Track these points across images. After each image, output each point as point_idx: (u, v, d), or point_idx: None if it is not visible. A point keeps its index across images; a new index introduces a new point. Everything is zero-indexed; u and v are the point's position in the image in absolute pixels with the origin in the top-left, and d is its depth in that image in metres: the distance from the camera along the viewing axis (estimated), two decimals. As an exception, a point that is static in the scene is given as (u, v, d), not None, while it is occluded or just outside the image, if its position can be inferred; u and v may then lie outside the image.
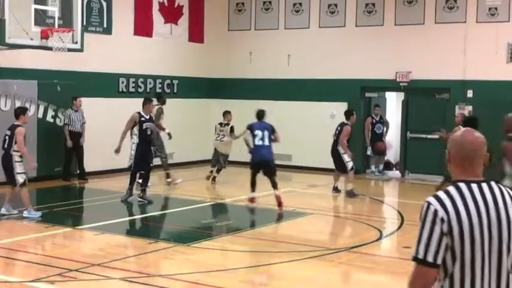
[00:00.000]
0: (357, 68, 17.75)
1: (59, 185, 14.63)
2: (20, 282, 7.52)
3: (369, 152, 17.84)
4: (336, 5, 18.32)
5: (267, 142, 12.32)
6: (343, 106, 17.33)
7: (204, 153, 17.55)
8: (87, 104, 15.48)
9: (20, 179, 10.83)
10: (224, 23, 19.96)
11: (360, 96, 18.10)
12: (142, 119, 12.63)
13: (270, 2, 19.31)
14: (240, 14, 19.78)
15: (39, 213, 11.09)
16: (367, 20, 17.90)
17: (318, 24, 18.55)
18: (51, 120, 15.20)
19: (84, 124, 15.26)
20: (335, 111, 17.88)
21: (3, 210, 11.06)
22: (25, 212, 10.97)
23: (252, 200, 12.48)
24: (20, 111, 11.33)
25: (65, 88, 15.25)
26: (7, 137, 10.96)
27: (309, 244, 9.64)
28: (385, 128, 18.04)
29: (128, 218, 11.65)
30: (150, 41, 18.00)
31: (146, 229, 10.95)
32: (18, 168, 10.84)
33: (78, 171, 15.34)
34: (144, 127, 12.56)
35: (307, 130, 18.13)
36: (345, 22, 18.19)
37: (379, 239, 10.27)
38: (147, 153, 12.73)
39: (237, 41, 19.67)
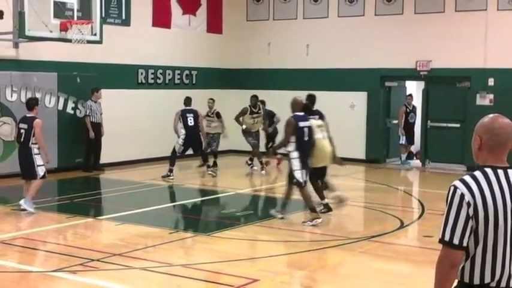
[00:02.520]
0: (377, 57, 17.64)
1: (79, 175, 14.71)
2: (42, 272, 7.57)
3: (402, 141, 17.69)
4: (355, -6, 18.19)
5: None
6: (362, 96, 17.25)
7: (222, 144, 17.54)
8: (107, 95, 15.54)
9: (41, 172, 10.63)
10: (242, 14, 19.91)
11: (380, 86, 17.98)
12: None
13: (288, -8, 19.21)
14: (258, 4, 19.71)
15: (33, 208, 10.64)
16: (386, 9, 17.76)
17: (337, 14, 18.44)
18: (71, 112, 15.28)
19: (102, 115, 15.33)
20: (354, 101, 17.81)
21: (23, 203, 10.62)
22: (22, 201, 10.58)
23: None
24: (35, 102, 10.97)
25: (85, 80, 15.31)
26: (23, 131, 10.65)
27: (330, 234, 9.61)
28: (416, 117, 17.92)
29: (148, 208, 11.67)
30: (168, 32, 18.01)
31: (167, 219, 10.96)
32: (38, 160, 10.63)
33: (95, 162, 15.39)
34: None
35: (327, 120, 18.01)
36: (364, 11, 18.06)
37: (400, 228, 10.21)
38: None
39: (255, 31, 19.62)
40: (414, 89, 19.25)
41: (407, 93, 18.34)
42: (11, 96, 14.03)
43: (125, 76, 16.70)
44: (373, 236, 9.44)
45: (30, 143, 10.57)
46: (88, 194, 12.54)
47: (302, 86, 18.51)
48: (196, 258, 8.33)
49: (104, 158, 15.57)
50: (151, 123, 16.89)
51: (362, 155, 17.89)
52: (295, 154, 10.09)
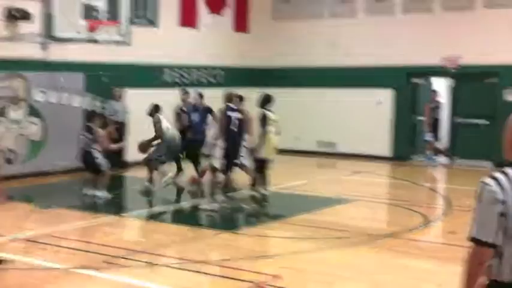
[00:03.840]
0: (403, 54, 17.51)
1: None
2: (67, 269, 7.67)
3: (428, 138, 17.51)
4: (382, -8, 18.09)
5: None
6: (389, 93, 17.15)
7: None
8: (133, 95, 15.67)
9: (102, 167, 11.81)
10: (269, 12, 19.92)
11: (406, 82, 17.86)
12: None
13: (315, -10, 19.18)
14: (285, 2, 19.71)
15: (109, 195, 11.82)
16: (414, 7, 17.62)
17: (364, 12, 18.35)
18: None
19: (127, 115, 15.45)
20: (381, 98, 17.72)
21: (95, 192, 11.81)
22: (96, 191, 11.80)
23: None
24: (97, 116, 12.37)
25: (112, 80, 15.46)
26: (86, 139, 11.82)
27: (353, 230, 9.58)
28: (442, 114, 17.73)
29: (171, 205, 11.76)
30: (195, 32, 18.10)
31: (190, 216, 11.03)
32: (99, 158, 11.78)
33: (119, 160, 15.50)
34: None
35: (353, 117, 17.99)
36: (392, 9, 17.95)
37: (425, 224, 10.14)
38: None
39: (282, 30, 19.61)
40: (441, 85, 19.06)
41: (433, 89, 18.16)
42: (39, 97, 14.25)
43: (151, 76, 16.83)
44: (398, 233, 9.38)
45: (93, 148, 11.76)
46: (113, 192, 12.67)
47: (329, 84, 18.52)
48: (218, 255, 8.38)
49: (130, 156, 15.69)
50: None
51: (388, 153, 17.78)
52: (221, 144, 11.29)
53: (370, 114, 16.98)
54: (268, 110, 11.59)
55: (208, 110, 13.34)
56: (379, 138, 17.30)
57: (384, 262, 8.20)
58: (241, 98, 13.03)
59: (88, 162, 12.05)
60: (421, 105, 18.01)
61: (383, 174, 15.67)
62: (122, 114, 15.35)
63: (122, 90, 15.38)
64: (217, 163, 11.16)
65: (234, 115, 11.01)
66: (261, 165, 11.51)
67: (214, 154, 11.29)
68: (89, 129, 12.00)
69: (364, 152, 17.18)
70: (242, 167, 12.54)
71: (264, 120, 11.40)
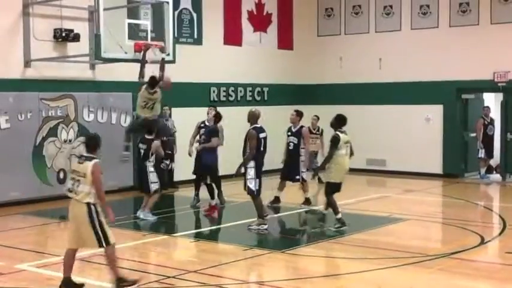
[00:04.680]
0: (452, 69, 17.25)
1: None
2: (120, 289, 7.65)
3: (481, 155, 17.17)
4: (428, 6, 17.88)
5: None
6: (438, 109, 16.87)
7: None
8: (179, 113, 15.73)
9: (153, 187, 11.75)
10: (313, 29, 19.87)
11: (456, 98, 17.55)
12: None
13: (359, 6, 19.07)
14: (329, 19, 19.64)
15: (155, 218, 11.80)
16: (461, 20, 17.38)
17: (410, 26, 18.17)
18: (146, 131, 15.51)
19: (175, 133, 15.49)
20: (430, 114, 17.45)
21: (140, 214, 11.83)
22: (141, 213, 11.80)
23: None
24: (153, 128, 12.13)
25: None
26: (142, 151, 11.84)
27: (407, 250, 9.37)
28: (495, 130, 17.37)
29: (221, 225, 11.70)
30: (239, 49, 18.15)
31: (241, 236, 10.93)
32: (152, 177, 11.76)
33: (168, 180, 15.53)
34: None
35: (402, 134, 17.73)
36: (438, 23, 17.72)
37: (480, 244, 9.86)
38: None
39: (326, 46, 19.53)
40: (492, 100, 18.69)
41: (485, 105, 17.82)
42: (88, 116, 14.40)
43: (197, 94, 16.88)
44: (453, 253, 9.15)
45: (148, 161, 11.75)
46: (162, 212, 12.67)
47: (375, 101, 18.33)
48: (271, 275, 8.25)
49: (178, 176, 15.72)
50: (224, 140, 16.95)
51: (439, 170, 17.47)
52: (252, 163, 10.61)
53: (420, 131, 16.72)
54: (341, 131, 11.02)
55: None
56: (430, 155, 17.01)
57: (439, 283, 7.99)
58: (301, 115, 13.18)
59: (141, 180, 12.17)
60: (471, 121, 17.68)
61: (435, 192, 15.38)
62: (170, 133, 15.39)
63: (170, 108, 15.43)
64: (252, 184, 10.80)
65: (262, 135, 10.75)
66: (332, 189, 10.95)
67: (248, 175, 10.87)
68: (144, 141, 12.01)
69: (414, 169, 16.90)
70: (303, 181, 12.93)
71: (335, 142, 10.84)
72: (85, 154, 7.61)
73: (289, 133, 13.30)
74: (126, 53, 13.36)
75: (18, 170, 13.16)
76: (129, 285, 7.43)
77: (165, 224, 11.85)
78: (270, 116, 18.05)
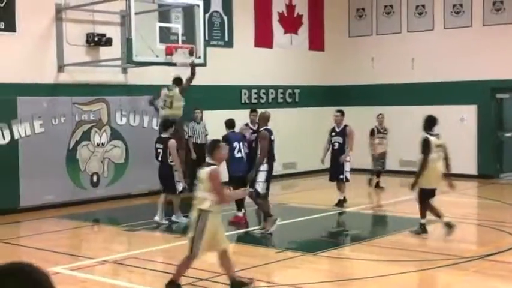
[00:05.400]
0: (486, 69, 16.99)
1: (185, 196, 14.90)
2: (152, 292, 7.67)
3: None
4: (461, 5, 17.65)
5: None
6: (472, 109, 16.63)
7: (327, 161, 17.33)
8: (211, 116, 15.74)
9: (179, 187, 11.57)
10: (344, 30, 19.75)
11: (490, 98, 17.29)
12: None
13: (391, 6, 18.90)
14: (360, 19, 19.51)
15: (187, 219, 11.19)
16: (495, 18, 17.11)
17: (443, 26, 17.95)
18: (178, 134, 15.57)
19: (207, 136, 15.49)
20: (464, 114, 17.21)
21: (174, 218, 11.69)
22: (174, 216, 11.64)
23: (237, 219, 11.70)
24: (169, 124, 11.90)
25: (190, 102, 15.55)
26: (160, 150, 11.57)
27: (441, 252, 9.23)
28: None
29: (253, 228, 11.67)
30: (270, 52, 18.12)
31: (272, 238, 10.90)
32: (177, 177, 11.53)
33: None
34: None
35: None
36: (471, 21, 17.48)
37: (517, 246, 9.67)
38: None
39: (358, 47, 19.40)
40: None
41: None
42: (121, 120, 14.50)
43: (228, 97, 16.90)
44: (488, 255, 9.00)
45: (169, 161, 11.47)
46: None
47: (408, 101, 18.13)
48: (303, 278, 8.20)
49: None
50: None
51: (473, 171, 17.22)
52: (264, 167, 10.54)
53: (454, 132, 16.45)
54: (431, 134, 10.25)
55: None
56: (464, 155, 16.75)
57: (474, 285, 7.87)
58: (344, 115, 13.21)
59: (164, 179, 11.74)
60: (507, 121, 17.39)
61: (469, 193, 15.14)
62: (202, 136, 15.41)
63: (202, 111, 15.44)
64: (260, 187, 10.68)
65: (273, 137, 10.70)
66: (425, 196, 10.36)
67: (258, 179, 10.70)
68: (161, 140, 11.69)
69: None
70: (346, 181, 12.96)
71: (426, 146, 10.08)
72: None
73: (334, 133, 13.22)
74: (157, 56, 13.44)
75: (53, 173, 13.30)
76: (244, 286, 7.42)
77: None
78: (301, 117, 18.07)
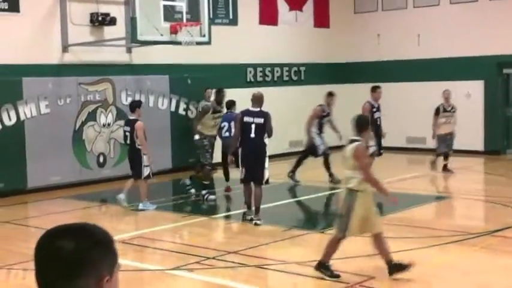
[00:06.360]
0: (493, 44, 16.86)
1: (193, 175, 14.91)
2: (161, 271, 7.71)
3: None
4: (467, -21, 17.49)
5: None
6: (479, 84, 16.53)
7: (333, 139, 17.25)
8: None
9: (145, 172, 10.99)
10: (350, 6, 19.61)
11: (497, 73, 17.18)
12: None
13: (396, -19, 18.75)
14: (365, -5, 19.35)
15: (154, 206, 11.13)
16: (500, -8, 16.95)
17: (449, 1, 17.80)
18: (183, 113, 15.57)
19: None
20: (471, 90, 17.12)
21: (141, 206, 11.07)
22: (140, 204, 11.06)
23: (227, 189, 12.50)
24: (136, 105, 11.43)
25: (195, 81, 15.55)
26: (128, 133, 11.06)
27: (449, 229, 9.23)
28: None
29: (261, 206, 11.68)
30: (275, 29, 18.02)
31: (279, 217, 10.92)
32: (145, 161, 10.98)
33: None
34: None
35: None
36: (477, -5, 17.34)
37: (525, 222, 9.66)
38: None
39: (363, 23, 19.27)
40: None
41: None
42: (126, 100, 14.47)
43: (234, 75, 16.83)
44: (495, 231, 8.99)
45: (137, 144, 10.95)
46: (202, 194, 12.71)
47: (414, 78, 18.04)
48: (310, 255, 8.20)
49: (218, 157, 15.70)
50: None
51: (480, 147, 17.16)
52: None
53: (460, 108, 16.39)
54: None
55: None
56: (471, 131, 16.69)
57: (482, 261, 7.86)
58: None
59: (131, 163, 11.24)
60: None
61: (476, 169, 15.11)
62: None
63: (213, 90, 15.29)
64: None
65: (248, 119, 9.92)
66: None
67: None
68: (129, 122, 11.22)
69: (455, 147, 16.58)
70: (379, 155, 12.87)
71: None
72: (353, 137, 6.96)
73: (375, 109, 13.10)
74: (162, 35, 13.38)
75: (59, 154, 13.32)
76: (402, 270, 6.98)
77: (205, 206, 11.89)
78: (307, 95, 17.99)
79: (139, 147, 10.96)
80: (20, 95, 12.83)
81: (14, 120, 12.79)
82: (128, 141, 11.11)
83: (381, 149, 13.19)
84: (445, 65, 17.60)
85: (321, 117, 13.48)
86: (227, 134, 12.13)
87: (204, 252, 8.23)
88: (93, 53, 14.14)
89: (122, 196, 11.07)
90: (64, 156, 13.44)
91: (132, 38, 13.27)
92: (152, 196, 11.43)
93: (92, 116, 13.91)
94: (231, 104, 12.67)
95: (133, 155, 11.10)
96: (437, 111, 14.29)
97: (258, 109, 10.00)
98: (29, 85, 12.94)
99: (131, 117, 11.26)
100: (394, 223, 9.75)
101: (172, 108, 15.34)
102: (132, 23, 13.05)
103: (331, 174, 13.27)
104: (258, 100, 10.08)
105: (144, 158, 10.97)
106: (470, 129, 16.70)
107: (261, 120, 9.84)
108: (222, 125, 12.28)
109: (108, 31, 14.21)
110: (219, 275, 7.52)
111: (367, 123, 7.13)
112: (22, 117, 12.88)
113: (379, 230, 7.03)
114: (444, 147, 14.22)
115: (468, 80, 17.17)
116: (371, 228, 7.00)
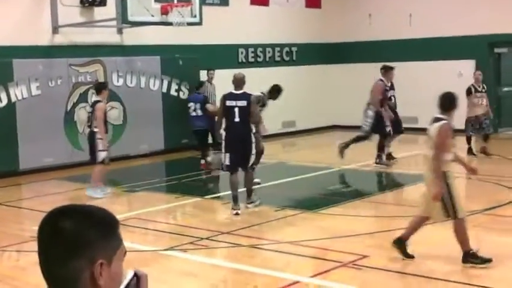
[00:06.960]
0: (484, 23, 16.85)
1: (186, 156, 14.93)
2: (154, 251, 7.74)
3: None
4: (459, -43, 17.44)
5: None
6: (470, 64, 16.55)
7: (326, 119, 17.37)
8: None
9: (101, 156, 10.52)
10: (341, -14, 19.54)
11: (489, 53, 17.19)
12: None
13: (388, -39, 18.67)
14: (357, -25, 19.27)
15: (102, 194, 10.59)
16: (493, -29, 16.92)
17: (441, -21, 17.77)
18: (175, 94, 15.53)
19: (215, 97, 15.37)
20: (462, 69, 17.13)
21: (89, 192, 10.65)
22: (89, 190, 10.65)
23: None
24: (102, 86, 11.00)
25: (186, 62, 15.50)
26: (90, 114, 10.70)
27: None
28: None
29: (254, 187, 11.72)
30: (266, 10, 17.95)
31: (273, 197, 10.96)
32: (100, 145, 10.48)
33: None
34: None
35: (433, 91, 17.30)
36: (469, -26, 17.30)
37: (515, 200, 9.74)
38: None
39: (355, 3, 19.21)
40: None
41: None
42: (117, 81, 14.43)
43: (225, 56, 16.79)
44: (486, 209, 9.06)
45: (93, 126, 10.51)
46: (195, 174, 12.73)
47: (406, 57, 18.03)
48: (303, 235, 8.27)
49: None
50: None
51: (471, 126, 17.18)
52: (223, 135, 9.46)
53: (452, 87, 16.27)
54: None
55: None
56: (462, 111, 16.69)
57: (474, 239, 7.87)
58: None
59: (89, 146, 10.72)
60: (505, 76, 17.33)
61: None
62: (213, 97, 15.32)
63: (211, 71, 15.16)
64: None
65: (230, 103, 9.34)
66: None
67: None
68: (92, 104, 10.76)
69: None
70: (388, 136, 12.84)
71: None
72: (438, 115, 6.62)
73: (387, 87, 12.95)
74: (152, 16, 13.34)
75: (51, 136, 13.29)
76: (478, 263, 6.74)
77: (198, 187, 11.91)
78: (299, 75, 17.99)
79: (95, 130, 10.44)
80: (10, 76, 12.76)
81: (5, 102, 12.74)
82: (90, 123, 10.60)
83: (401, 127, 13.13)
84: (436, 45, 17.60)
85: (384, 92, 12.96)
86: (194, 113, 13.16)
87: (197, 233, 8.26)
88: (83, 34, 14.06)
89: (91, 190, 10.57)
90: (56, 137, 13.41)
91: (123, 19, 13.22)
92: (145, 177, 11.43)
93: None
94: (200, 85, 13.78)
95: (90, 139, 10.63)
96: (468, 92, 13.73)
97: (241, 91, 9.40)
98: (19, 67, 12.87)
99: (95, 99, 10.84)
100: (386, 202, 9.85)
101: (164, 89, 15.30)
102: (122, 3, 12.99)
103: (389, 154, 13.12)
104: (239, 81, 9.45)
105: (99, 142, 10.44)
106: (462, 108, 16.66)
107: (244, 103, 9.25)
108: (189, 105, 13.29)
109: (99, 12, 14.12)
110: (212, 255, 7.56)
111: (455, 100, 6.77)
112: (13, 99, 12.83)
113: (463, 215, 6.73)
114: (472, 130, 13.78)
115: (460, 60, 17.19)
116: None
